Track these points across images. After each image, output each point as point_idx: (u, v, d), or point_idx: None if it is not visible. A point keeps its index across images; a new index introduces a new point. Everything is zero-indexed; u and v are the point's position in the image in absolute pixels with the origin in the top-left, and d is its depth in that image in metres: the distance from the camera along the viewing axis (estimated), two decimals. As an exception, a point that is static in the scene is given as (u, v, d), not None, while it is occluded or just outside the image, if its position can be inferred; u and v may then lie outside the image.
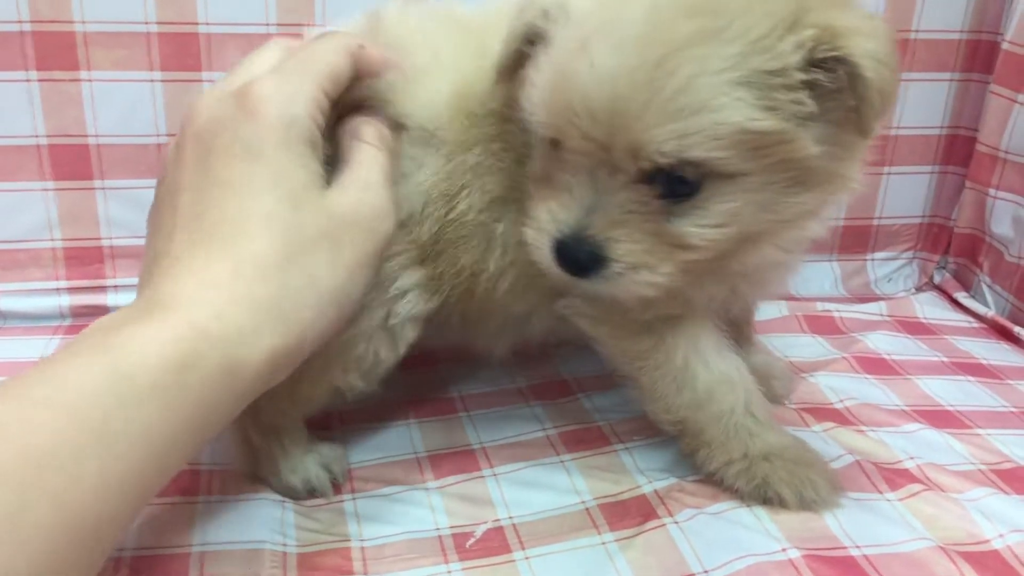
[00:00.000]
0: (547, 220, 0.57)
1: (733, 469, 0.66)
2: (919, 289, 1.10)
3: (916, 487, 0.67)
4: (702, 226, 0.56)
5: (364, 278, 0.57)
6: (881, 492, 0.67)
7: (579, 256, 0.56)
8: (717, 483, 0.68)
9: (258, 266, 0.51)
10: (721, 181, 0.54)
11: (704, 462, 0.68)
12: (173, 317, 0.48)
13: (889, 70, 0.53)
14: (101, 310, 0.93)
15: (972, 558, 0.60)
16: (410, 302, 0.66)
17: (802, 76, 0.52)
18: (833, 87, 0.53)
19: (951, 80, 1.05)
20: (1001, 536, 0.63)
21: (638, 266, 0.56)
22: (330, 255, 0.54)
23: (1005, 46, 0.99)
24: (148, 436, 0.45)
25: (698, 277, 0.60)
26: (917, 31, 1.02)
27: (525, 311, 0.70)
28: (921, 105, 1.05)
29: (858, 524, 0.63)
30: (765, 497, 0.65)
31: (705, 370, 0.66)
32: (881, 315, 1.01)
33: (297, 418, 0.68)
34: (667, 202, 0.55)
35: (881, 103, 0.53)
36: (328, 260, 0.54)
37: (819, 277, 1.09)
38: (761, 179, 0.55)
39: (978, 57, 1.04)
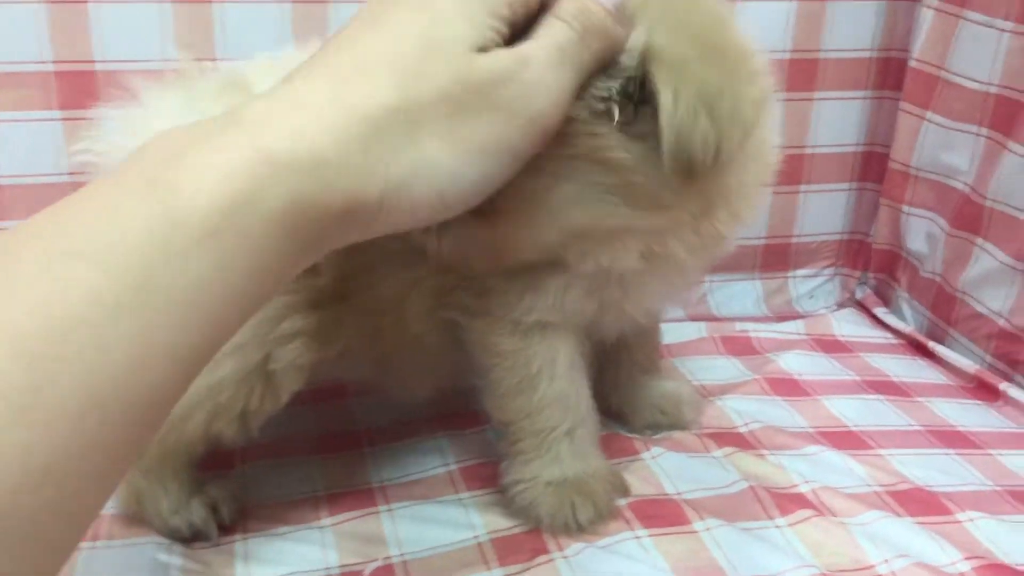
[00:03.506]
0: None
1: (518, 488, 0.68)
2: (841, 305, 1.10)
3: (806, 512, 0.67)
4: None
5: (481, 167, 0.47)
6: (772, 518, 0.67)
7: None
8: (506, 501, 0.69)
9: (361, 102, 0.44)
10: None
11: (505, 472, 0.70)
12: (240, 139, 0.41)
13: (704, 114, 0.50)
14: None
15: (854, 584, 0.61)
16: (295, 349, 0.64)
17: (613, 81, 0.51)
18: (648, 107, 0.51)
19: (864, 98, 1.06)
20: (886, 561, 0.63)
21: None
22: (444, 123, 0.45)
23: (912, 63, 1.00)
24: (199, 292, 0.39)
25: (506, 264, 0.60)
26: (828, 50, 1.03)
27: (438, 340, 0.69)
28: (835, 123, 1.06)
29: (744, 553, 0.63)
30: (529, 516, 0.68)
31: (548, 383, 0.67)
32: (798, 334, 1.01)
33: (176, 462, 0.67)
34: None
35: (676, 144, 0.50)
36: (439, 127, 0.45)
37: (741, 296, 1.10)
38: (564, 167, 0.54)
39: (889, 74, 1.05)
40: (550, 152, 0.52)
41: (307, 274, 0.61)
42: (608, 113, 0.52)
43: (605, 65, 0.51)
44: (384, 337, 0.68)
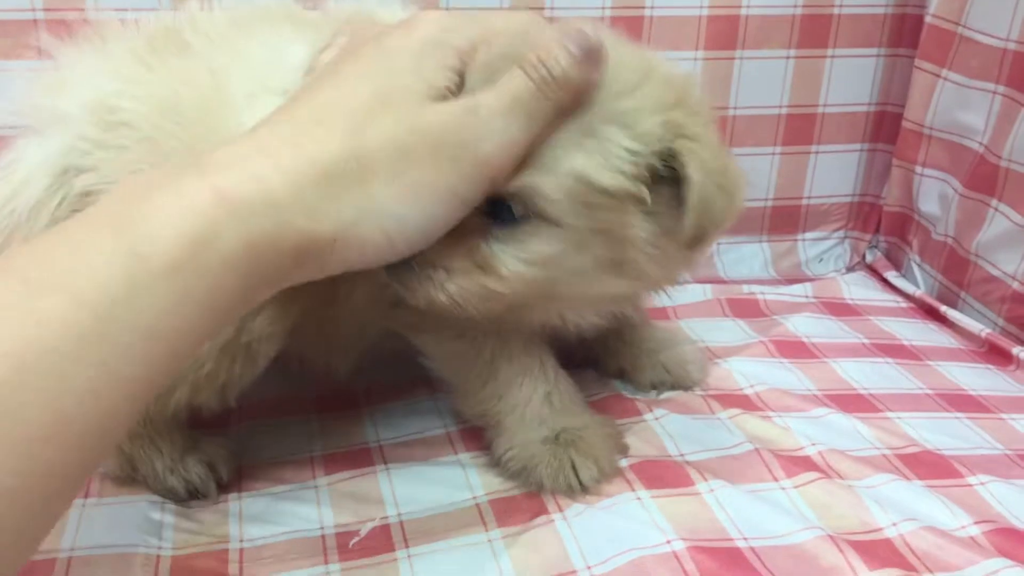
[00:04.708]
0: None
1: (510, 454, 0.67)
2: (851, 268, 1.09)
3: (813, 475, 0.66)
4: (513, 256, 0.56)
5: (425, 210, 0.49)
6: (777, 480, 0.66)
7: None
8: (500, 470, 0.68)
9: (316, 149, 0.47)
10: (545, 223, 0.55)
11: (495, 449, 0.68)
12: (200, 182, 0.44)
13: (719, 188, 0.55)
14: None
15: (861, 547, 0.59)
16: (264, 320, 0.62)
17: (646, 160, 0.54)
18: (668, 187, 0.55)
19: (878, 56, 1.03)
20: (894, 524, 0.61)
21: (437, 265, 0.56)
22: (392, 169, 0.48)
23: (929, 19, 0.97)
24: (158, 323, 0.41)
25: (492, 315, 0.59)
26: (841, 6, 1.00)
27: (375, 322, 0.69)
28: (847, 82, 1.04)
29: (748, 514, 0.62)
30: (528, 480, 0.66)
31: (507, 364, 0.67)
32: (806, 297, 0.99)
33: (162, 426, 0.66)
34: (492, 223, 0.56)
35: (701, 212, 0.54)
36: (387, 173, 0.48)
37: (749, 259, 1.08)
38: (582, 240, 0.56)
39: (904, 32, 1.02)
40: (569, 223, 0.55)
41: None
42: (639, 197, 0.55)
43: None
44: (335, 305, 0.66)
